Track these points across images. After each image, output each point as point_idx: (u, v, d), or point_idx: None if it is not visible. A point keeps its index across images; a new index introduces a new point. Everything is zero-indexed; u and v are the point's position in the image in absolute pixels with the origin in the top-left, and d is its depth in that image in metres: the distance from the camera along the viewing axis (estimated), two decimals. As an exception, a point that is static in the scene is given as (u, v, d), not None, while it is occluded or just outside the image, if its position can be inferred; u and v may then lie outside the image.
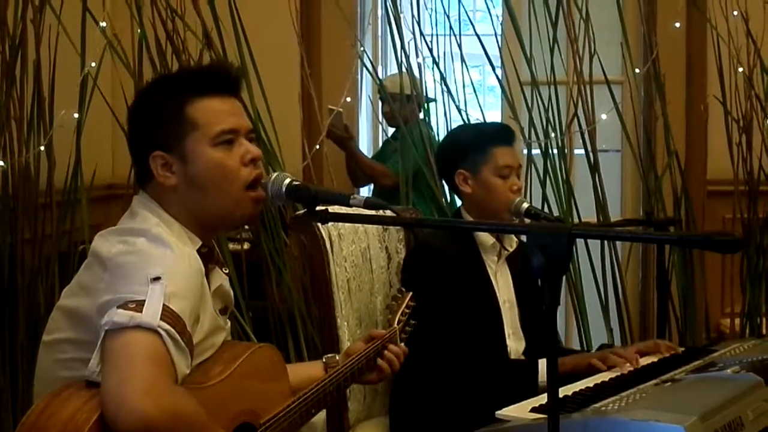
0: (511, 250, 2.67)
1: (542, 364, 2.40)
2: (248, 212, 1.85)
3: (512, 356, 2.62)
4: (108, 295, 1.62)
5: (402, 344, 2.19)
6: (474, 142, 2.67)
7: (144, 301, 1.58)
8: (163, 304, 1.59)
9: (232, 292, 1.95)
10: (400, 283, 2.64)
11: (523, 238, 2.73)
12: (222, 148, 1.80)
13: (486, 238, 2.63)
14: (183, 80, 1.90)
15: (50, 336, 1.77)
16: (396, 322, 2.24)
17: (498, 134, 2.70)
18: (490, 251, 2.64)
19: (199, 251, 1.80)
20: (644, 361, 2.46)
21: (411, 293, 2.34)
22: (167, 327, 1.58)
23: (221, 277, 1.90)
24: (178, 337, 1.60)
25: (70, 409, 1.53)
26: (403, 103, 4.01)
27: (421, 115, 4.15)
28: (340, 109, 4.00)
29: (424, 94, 4.03)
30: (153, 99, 1.85)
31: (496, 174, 2.63)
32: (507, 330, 2.62)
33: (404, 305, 2.30)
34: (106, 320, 1.57)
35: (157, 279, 1.62)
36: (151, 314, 1.57)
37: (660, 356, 2.51)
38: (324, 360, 2.09)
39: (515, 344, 2.64)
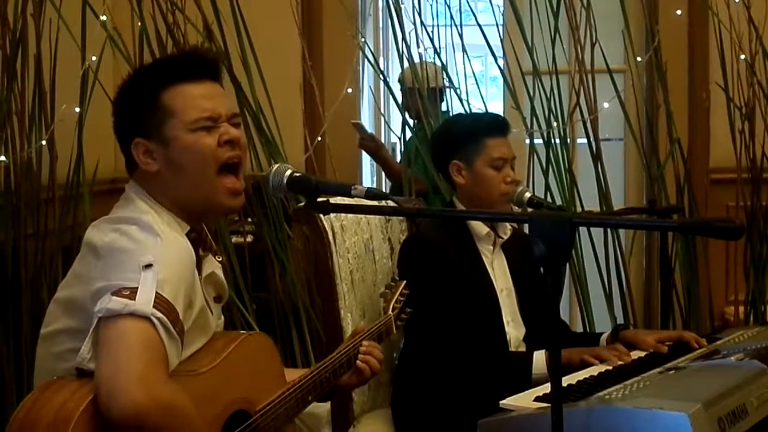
0: (505, 238, 2.67)
1: (536, 356, 2.40)
2: (225, 202, 1.84)
3: (512, 343, 2.62)
4: (101, 282, 1.63)
5: (393, 335, 2.21)
6: (468, 133, 2.66)
7: (137, 288, 1.59)
8: (156, 292, 1.60)
9: (225, 281, 1.95)
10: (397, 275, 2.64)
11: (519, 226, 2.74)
12: (200, 133, 1.81)
13: (480, 227, 2.63)
14: (158, 68, 1.93)
15: (47, 328, 1.78)
16: (390, 310, 2.25)
17: (492, 125, 2.70)
18: (484, 240, 2.64)
19: (188, 236, 1.80)
20: (637, 354, 2.44)
21: (404, 282, 2.36)
22: (160, 315, 1.59)
23: (213, 265, 1.90)
24: (170, 326, 1.61)
25: (60, 399, 1.55)
26: (414, 96, 3.94)
27: (444, 107, 4.12)
28: (360, 122, 4.20)
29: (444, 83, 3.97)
30: (130, 88, 1.86)
31: (489, 165, 2.63)
32: (506, 317, 2.62)
33: (398, 293, 2.31)
34: (100, 307, 1.58)
35: (149, 266, 1.63)
36: (144, 302, 1.58)
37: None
38: None
39: (515, 331, 2.64)
